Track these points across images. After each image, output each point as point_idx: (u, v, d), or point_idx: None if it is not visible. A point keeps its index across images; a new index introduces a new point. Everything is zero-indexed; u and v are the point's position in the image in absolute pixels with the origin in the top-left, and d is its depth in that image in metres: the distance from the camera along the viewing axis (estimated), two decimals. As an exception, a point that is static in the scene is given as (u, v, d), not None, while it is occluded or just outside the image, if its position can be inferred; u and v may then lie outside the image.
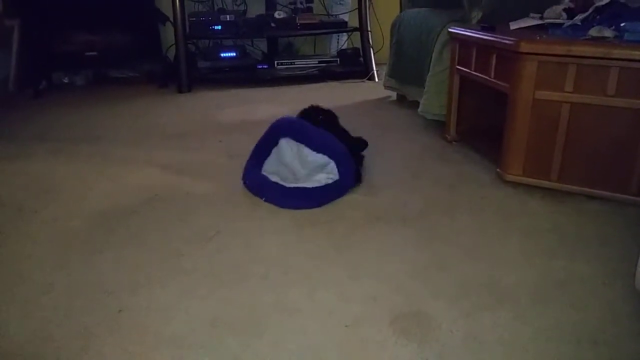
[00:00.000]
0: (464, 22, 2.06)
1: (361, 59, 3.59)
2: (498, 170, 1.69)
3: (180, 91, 3.25)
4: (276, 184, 1.59)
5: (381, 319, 1.04)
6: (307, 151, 1.63)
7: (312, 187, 1.57)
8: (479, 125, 2.05)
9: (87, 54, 3.32)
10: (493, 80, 1.70)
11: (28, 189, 1.74)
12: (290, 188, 1.57)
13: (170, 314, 1.07)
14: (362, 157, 1.82)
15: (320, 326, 1.02)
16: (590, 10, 1.63)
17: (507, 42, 1.56)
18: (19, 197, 1.67)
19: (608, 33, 1.46)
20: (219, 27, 3.41)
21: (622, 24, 1.49)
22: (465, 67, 1.91)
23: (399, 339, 0.98)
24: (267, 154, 1.70)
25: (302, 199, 1.55)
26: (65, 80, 3.54)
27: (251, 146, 1.73)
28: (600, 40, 1.45)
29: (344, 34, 3.85)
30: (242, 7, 3.76)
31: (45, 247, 1.36)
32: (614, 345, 0.96)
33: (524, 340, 0.97)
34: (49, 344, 0.99)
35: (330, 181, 1.59)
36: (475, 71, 1.83)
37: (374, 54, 3.55)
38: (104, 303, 1.11)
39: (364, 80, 3.47)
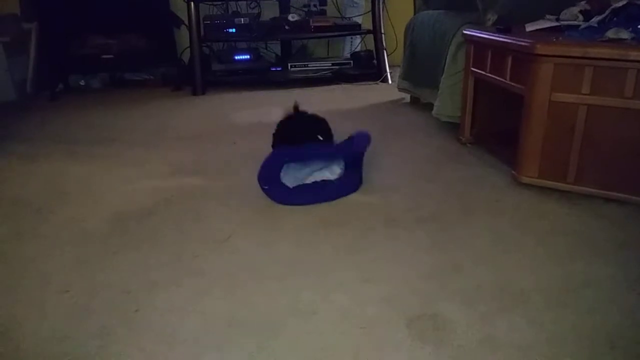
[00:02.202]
0: (479, 24, 2.05)
1: (375, 61, 3.59)
2: (513, 172, 1.68)
3: (194, 94, 3.28)
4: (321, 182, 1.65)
5: (397, 321, 1.04)
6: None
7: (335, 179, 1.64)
8: (494, 128, 2.04)
9: (103, 57, 3.37)
10: (508, 82, 1.69)
11: (45, 190, 1.77)
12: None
13: (186, 314, 1.08)
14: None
15: (336, 328, 1.02)
16: (607, 11, 1.61)
17: (523, 44, 1.55)
18: (37, 198, 1.70)
19: (625, 35, 1.45)
20: (233, 30, 3.43)
21: (639, 26, 1.47)
22: (480, 69, 1.90)
23: (414, 341, 0.98)
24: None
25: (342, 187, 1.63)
26: (82, 83, 3.59)
27: (265, 148, 1.71)
28: (617, 42, 1.43)
29: (358, 36, 3.85)
30: (256, 10, 3.78)
31: (63, 248, 1.37)
32: (631, 349, 0.95)
33: (540, 344, 0.97)
34: (67, 343, 1.00)
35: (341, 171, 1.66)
36: (490, 73, 1.82)
37: (387, 56, 3.54)
38: (121, 303, 1.12)
39: (377, 82, 3.47)
